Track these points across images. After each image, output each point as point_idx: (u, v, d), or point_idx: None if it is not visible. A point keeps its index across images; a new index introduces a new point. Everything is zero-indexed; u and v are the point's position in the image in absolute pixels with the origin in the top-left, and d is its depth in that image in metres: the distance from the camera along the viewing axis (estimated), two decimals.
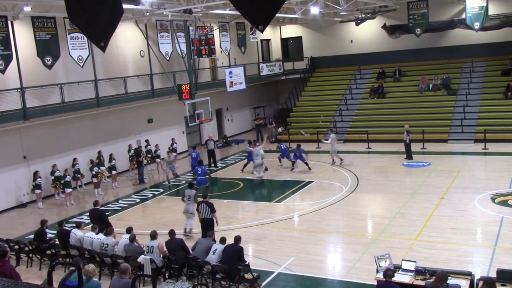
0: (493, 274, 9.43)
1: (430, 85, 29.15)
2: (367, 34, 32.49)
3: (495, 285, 8.30)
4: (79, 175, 20.93)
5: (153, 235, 11.81)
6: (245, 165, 22.36)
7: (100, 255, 12.15)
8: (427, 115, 27.25)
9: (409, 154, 22.40)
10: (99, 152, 21.68)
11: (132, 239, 11.92)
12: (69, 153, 21.29)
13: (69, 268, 9.27)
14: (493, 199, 16.03)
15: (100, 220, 13.95)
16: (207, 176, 20.14)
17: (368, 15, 28.99)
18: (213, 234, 12.31)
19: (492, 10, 27.30)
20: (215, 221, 13.61)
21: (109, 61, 22.89)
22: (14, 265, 12.38)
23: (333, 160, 22.63)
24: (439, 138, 25.31)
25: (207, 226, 13.35)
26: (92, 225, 13.59)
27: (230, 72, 25.85)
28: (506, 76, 27.86)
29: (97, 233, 12.78)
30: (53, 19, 19.31)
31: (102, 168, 20.98)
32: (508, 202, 15.71)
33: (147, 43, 24.29)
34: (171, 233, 11.96)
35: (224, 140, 30.10)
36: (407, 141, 22.19)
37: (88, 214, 15.76)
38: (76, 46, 20.40)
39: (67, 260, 12.73)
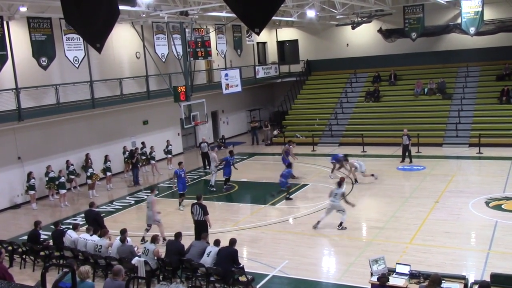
0: (487, 278, 9.45)
1: (425, 89, 29.25)
2: (363, 38, 32.58)
3: None
4: (73, 176, 20.83)
5: (154, 239, 11.84)
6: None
7: (94, 257, 12.11)
8: (422, 119, 27.33)
9: (404, 158, 22.53)
10: (87, 155, 21.27)
11: (123, 239, 11.91)
12: (64, 154, 21.20)
13: (63, 269, 9.23)
14: (487, 203, 16.09)
15: (95, 222, 13.92)
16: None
17: (364, 19, 29.05)
18: (207, 236, 12.29)
19: (487, 15, 27.42)
20: (208, 223, 13.60)
21: (105, 62, 22.84)
22: (7, 266, 12.34)
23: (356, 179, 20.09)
24: (434, 142, 25.39)
25: (201, 228, 13.32)
26: (87, 226, 13.56)
27: (226, 75, 25.86)
28: (500, 81, 28.00)
29: (91, 235, 12.75)
30: (49, 19, 19.25)
31: (90, 170, 20.63)
32: (502, 206, 15.77)
33: (143, 44, 24.24)
34: (178, 235, 12.00)
35: (219, 140, 29.91)
36: (409, 145, 22.27)
37: (82, 215, 15.71)
38: (72, 47, 20.35)
39: (61, 261, 12.68)
